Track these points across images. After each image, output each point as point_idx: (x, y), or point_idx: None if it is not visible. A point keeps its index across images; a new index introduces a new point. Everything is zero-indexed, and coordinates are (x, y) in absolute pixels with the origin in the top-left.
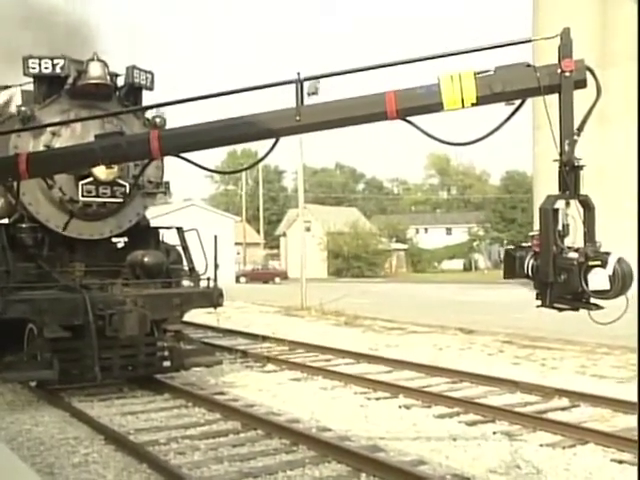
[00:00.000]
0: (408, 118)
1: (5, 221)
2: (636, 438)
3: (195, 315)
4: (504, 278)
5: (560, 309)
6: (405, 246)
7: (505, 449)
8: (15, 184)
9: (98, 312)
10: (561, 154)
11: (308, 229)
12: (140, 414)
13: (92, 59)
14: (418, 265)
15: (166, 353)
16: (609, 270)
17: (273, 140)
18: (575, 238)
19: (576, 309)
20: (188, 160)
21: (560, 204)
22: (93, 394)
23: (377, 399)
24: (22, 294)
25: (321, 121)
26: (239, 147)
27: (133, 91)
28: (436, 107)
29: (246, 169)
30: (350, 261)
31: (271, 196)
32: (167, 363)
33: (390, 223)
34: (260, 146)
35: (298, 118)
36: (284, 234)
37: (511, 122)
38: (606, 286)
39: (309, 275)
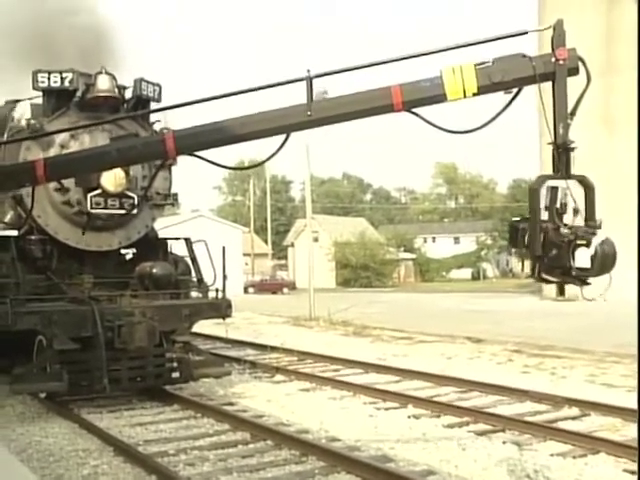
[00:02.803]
0: (413, 110)
1: (14, 233)
2: None
3: (204, 326)
4: (509, 246)
5: (548, 281)
6: (413, 256)
7: (515, 459)
8: (26, 197)
9: (107, 323)
10: (555, 137)
11: (316, 239)
12: (149, 425)
13: (100, 72)
14: (426, 274)
15: (175, 364)
16: (591, 250)
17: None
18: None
19: (562, 282)
20: (203, 158)
21: (561, 183)
22: (102, 405)
23: (386, 409)
24: (32, 306)
25: (331, 115)
26: (246, 158)
27: (141, 103)
28: (440, 98)
29: (259, 165)
30: (358, 271)
31: (279, 207)
32: (176, 374)
33: (398, 233)
34: (266, 154)
35: (309, 113)
36: (292, 244)
37: (518, 130)
38: (587, 264)
39: (317, 285)
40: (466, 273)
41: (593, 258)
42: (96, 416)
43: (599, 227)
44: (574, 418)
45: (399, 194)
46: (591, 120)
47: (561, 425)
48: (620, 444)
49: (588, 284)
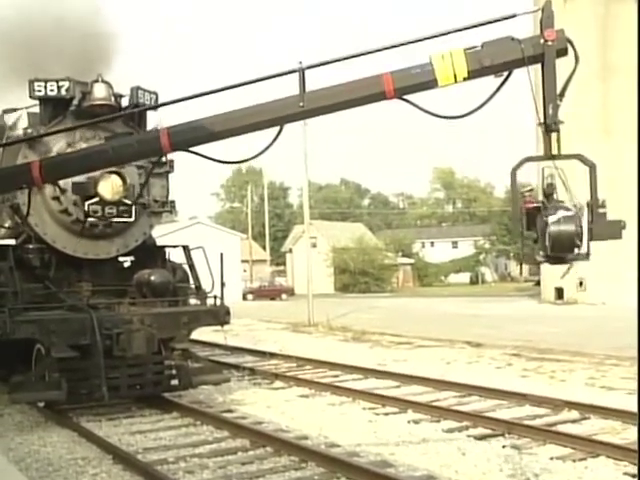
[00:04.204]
0: (405, 97)
1: (13, 242)
2: None
3: (202, 333)
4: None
5: (538, 262)
6: (411, 260)
7: (515, 463)
8: (23, 206)
9: (105, 331)
10: (545, 117)
11: (314, 245)
12: (148, 433)
13: (97, 80)
14: (425, 279)
15: (174, 372)
16: (548, 229)
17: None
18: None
19: (545, 263)
20: (198, 153)
21: (547, 164)
22: (101, 414)
23: (386, 414)
24: (30, 315)
25: (324, 105)
26: (244, 165)
27: (138, 112)
28: (431, 84)
29: (254, 157)
30: (357, 276)
31: (277, 213)
32: (175, 381)
33: (396, 238)
34: (263, 164)
35: (302, 104)
36: (290, 250)
37: (515, 134)
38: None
39: (316, 291)
40: (464, 277)
41: (549, 237)
42: (95, 424)
43: (603, 206)
44: (574, 421)
45: (397, 199)
46: (589, 122)
47: (561, 428)
48: (620, 447)
49: (565, 263)
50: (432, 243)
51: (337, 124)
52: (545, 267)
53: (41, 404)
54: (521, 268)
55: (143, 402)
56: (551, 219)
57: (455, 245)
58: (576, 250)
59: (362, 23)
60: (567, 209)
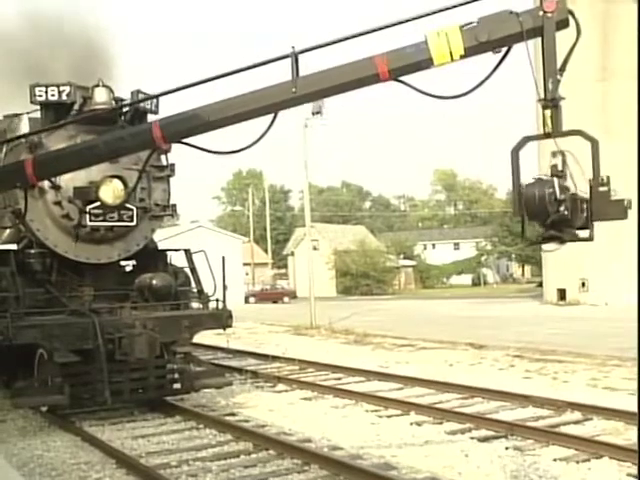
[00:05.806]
0: (401, 78)
1: (14, 247)
2: None
3: (204, 336)
4: None
5: (538, 242)
6: (413, 262)
7: (518, 464)
8: (22, 211)
9: (108, 336)
10: (545, 93)
11: (316, 248)
12: (151, 437)
13: (97, 85)
14: (427, 281)
15: (176, 375)
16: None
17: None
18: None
19: (545, 242)
20: (191, 145)
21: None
22: (104, 418)
23: (388, 417)
24: (32, 319)
25: (316, 90)
26: (244, 167)
27: (138, 115)
28: (426, 63)
29: (249, 147)
30: (358, 279)
31: (278, 216)
32: (177, 385)
33: (398, 240)
34: (264, 168)
35: (294, 90)
36: (292, 253)
37: (518, 136)
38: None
39: (318, 294)
40: (466, 279)
41: (524, 198)
42: (98, 429)
43: (605, 184)
44: (576, 422)
45: (398, 201)
46: (588, 123)
47: (563, 430)
48: (623, 448)
49: (551, 242)
50: (434, 245)
51: (338, 126)
52: (547, 268)
53: (44, 409)
54: (523, 269)
55: (146, 406)
56: (528, 181)
57: (457, 247)
58: (554, 217)
59: (362, 23)
60: (546, 175)
